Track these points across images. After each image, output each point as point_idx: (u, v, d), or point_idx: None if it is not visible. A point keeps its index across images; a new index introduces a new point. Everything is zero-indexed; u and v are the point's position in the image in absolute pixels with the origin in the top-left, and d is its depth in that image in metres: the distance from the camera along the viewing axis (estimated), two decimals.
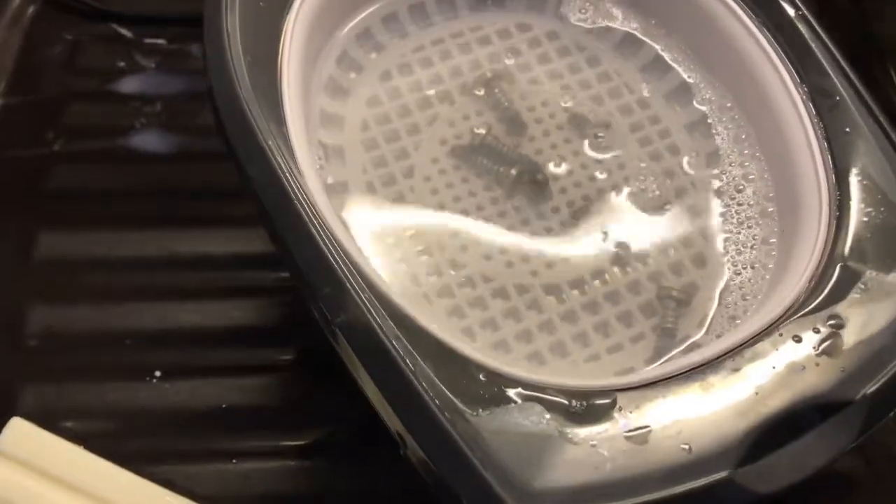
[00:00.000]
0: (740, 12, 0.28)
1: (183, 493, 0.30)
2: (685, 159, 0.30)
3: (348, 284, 0.22)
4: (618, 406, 0.22)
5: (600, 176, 0.30)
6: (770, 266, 0.27)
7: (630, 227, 0.29)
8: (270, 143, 0.23)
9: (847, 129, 0.26)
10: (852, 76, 0.26)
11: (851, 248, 0.24)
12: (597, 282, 0.28)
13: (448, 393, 0.21)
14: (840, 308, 0.23)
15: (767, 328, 0.23)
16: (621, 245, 0.29)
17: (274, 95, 0.25)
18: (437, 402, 0.21)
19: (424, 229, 0.29)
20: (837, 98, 0.26)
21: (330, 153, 0.30)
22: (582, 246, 0.29)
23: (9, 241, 0.36)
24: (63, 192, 0.37)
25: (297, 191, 0.23)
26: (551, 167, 0.30)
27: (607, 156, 0.30)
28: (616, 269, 0.29)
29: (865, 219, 0.24)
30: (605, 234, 0.29)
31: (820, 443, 0.21)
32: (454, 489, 0.20)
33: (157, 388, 0.33)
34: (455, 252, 0.29)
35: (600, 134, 0.31)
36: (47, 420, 0.31)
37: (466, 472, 0.20)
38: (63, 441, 0.30)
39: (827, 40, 0.27)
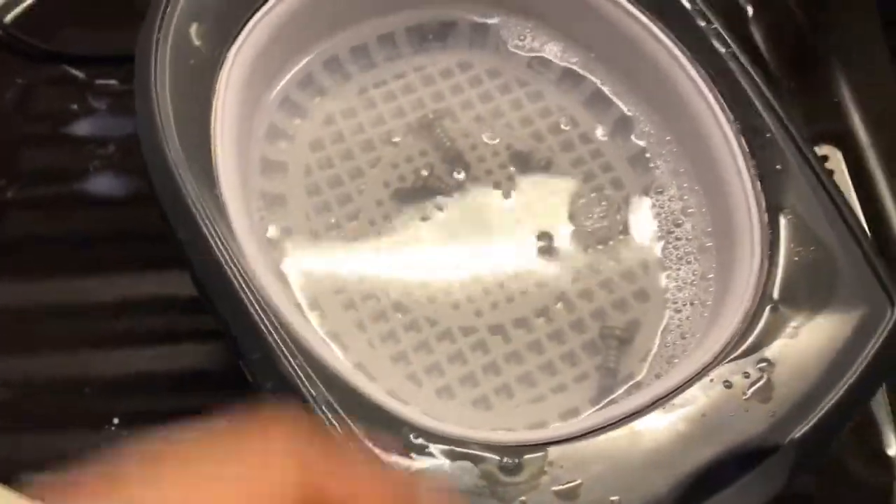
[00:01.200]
0: (675, 49, 0.28)
1: None
2: (627, 193, 0.30)
3: (277, 350, 0.22)
4: (549, 460, 0.22)
5: (543, 213, 0.30)
6: (709, 303, 0.27)
7: (574, 263, 0.29)
8: (200, 206, 0.24)
9: (778, 167, 0.26)
10: (781, 113, 0.26)
11: (782, 289, 0.24)
12: (541, 320, 0.29)
13: (380, 453, 0.21)
14: (770, 351, 0.23)
15: (698, 373, 0.23)
16: (565, 281, 0.29)
17: (206, 153, 0.26)
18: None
19: (368, 274, 0.29)
20: (768, 135, 0.26)
21: (272, 202, 0.30)
22: (527, 284, 0.29)
23: None
24: (18, 239, 0.37)
25: (226, 257, 0.23)
26: (495, 206, 0.30)
27: (550, 193, 0.31)
28: (560, 307, 0.29)
29: (796, 258, 0.24)
30: (550, 271, 0.29)
31: (749, 490, 0.21)
32: None
33: (116, 437, 0.33)
34: (400, 295, 0.29)
35: (544, 170, 0.31)
36: (4, 473, 0.31)
37: None
38: (19, 497, 0.30)
39: (757, 77, 0.27)
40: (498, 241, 0.30)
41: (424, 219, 0.30)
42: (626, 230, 0.30)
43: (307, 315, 0.27)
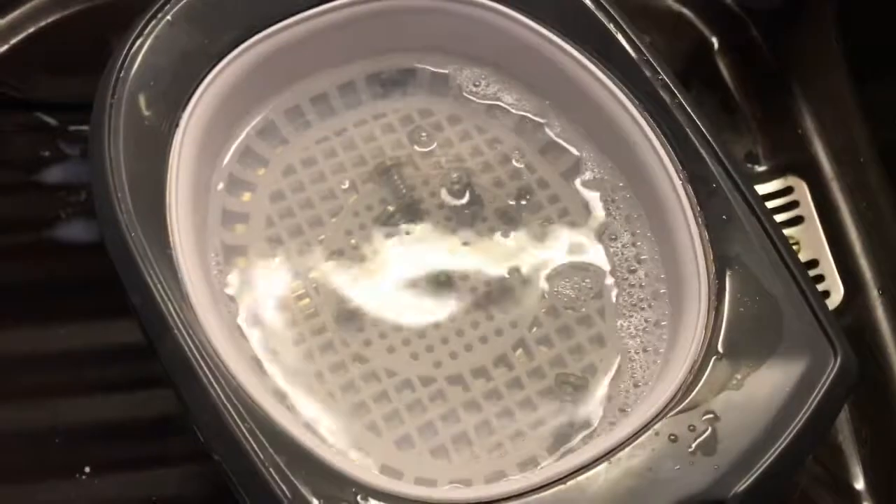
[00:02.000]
0: (623, 98, 0.28)
1: None
2: (583, 238, 0.31)
3: (226, 414, 0.22)
4: None
5: (503, 260, 0.31)
6: (661, 350, 0.27)
7: (532, 309, 0.30)
8: (152, 270, 0.24)
9: (724, 217, 0.26)
10: (727, 163, 0.27)
11: (727, 340, 0.24)
12: (501, 369, 0.29)
13: None
14: (715, 403, 0.23)
15: (645, 426, 0.23)
16: (523, 328, 0.29)
17: (161, 212, 0.26)
18: None
19: (328, 325, 0.29)
20: (714, 185, 0.26)
21: (231, 253, 0.30)
22: (485, 332, 0.29)
23: None
24: None
25: (176, 320, 0.23)
26: (453, 253, 0.31)
27: (509, 239, 0.31)
28: (519, 354, 0.29)
29: (741, 308, 0.25)
30: (508, 318, 0.30)
31: None
32: None
33: (88, 486, 0.34)
34: (359, 347, 0.29)
35: (503, 215, 0.31)
36: None
37: None
38: None
39: (703, 127, 0.27)
40: (456, 289, 0.30)
41: (383, 268, 0.31)
42: (582, 274, 0.30)
43: (266, 367, 0.28)
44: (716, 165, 0.26)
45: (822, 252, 0.39)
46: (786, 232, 0.40)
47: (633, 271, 0.29)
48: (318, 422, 0.28)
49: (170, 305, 0.23)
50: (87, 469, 0.34)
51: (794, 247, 0.40)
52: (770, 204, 0.41)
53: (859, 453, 0.35)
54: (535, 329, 0.29)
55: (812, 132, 0.41)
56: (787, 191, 0.41)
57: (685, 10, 0.45)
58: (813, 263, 0.39)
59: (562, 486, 0.22)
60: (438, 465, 0.27)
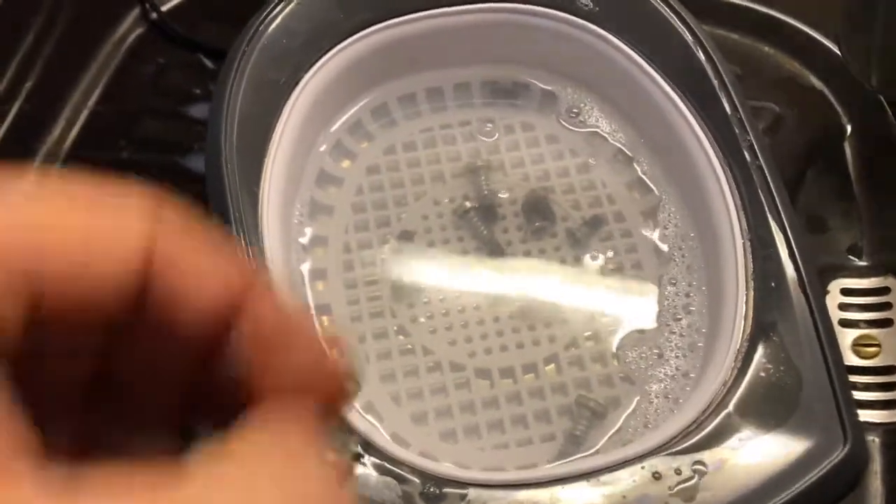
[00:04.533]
0: (710, 151, 0.29)
1: None
2: (642, 276, 0.31)
3: None
4: (467, 499, 0.23)
5: (560, 277, 0.32)
6: (680, 401, 0.28)
7: (574, 331, 0.31)
8: (236, 201, 0.27)
9: (773, 284, 0.26)
10: (790, 232, 0.27)
11: (741, 400, 0.25)
12: (529, 376, 0.30)
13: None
14: (707, 455, 0.24)
15: (635, 459, 0.24)
16: (559, 346, 0.30)
17: (261, 154, 0.29)
18: None
19: (383, 294, 0.31)
20: (771, 250, 0.27)
21: (317, 211, 0.33)
22: (523, 339, 0.31)
23: None
24: None
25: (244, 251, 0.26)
26: (515, 260, 0.32)
27: (572, 260, 0.32)
28: (549, 368, 0.30)
29: (764, 374, 0.25)
30: (548, 332, 0.31)
31: None
32: None
33: None
34: (405, 321, 0.31)
35: (571, 236, 0.32)
36: None
37: None
38: None
39: (775, 191, 0.27)
40: (508, 292, 0.32)
41: (447, 256, 0.32)
42: (629, 313, 0.31)
43: (314, 316, 0.30)
44: (779, 232, 0.27)
45: None
46: (870, 332, 0.39)
47: (678, 319, 0.30)
48: None
49: (241, 237, 0.26)
50: None
51: (874, 349, 0.39)
52: (862, 301, 0.40)
53: None
54: (571, 349, 0.30)
55: None
56: (882, 290, 0.39)
57: (826, 90, 0.45)
58: (891, 370, 0.38)
59: (536, 490, 0.23)
60: (444, 447, 0.29)
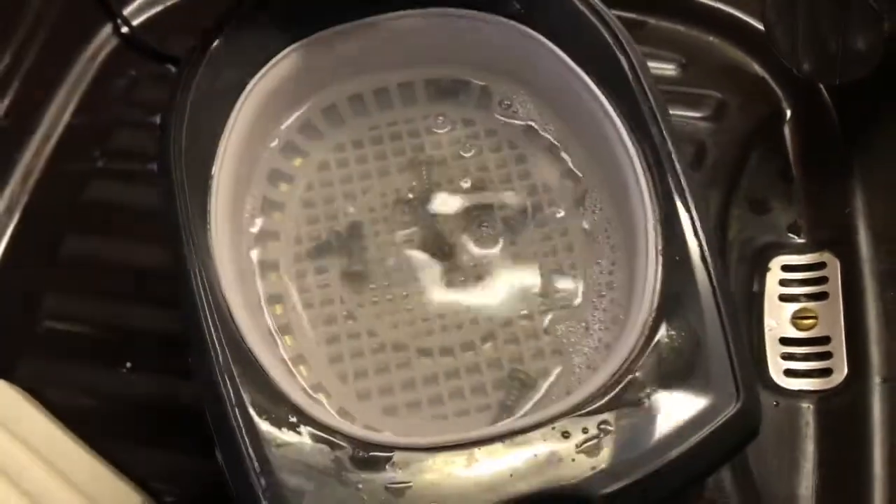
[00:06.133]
0: (628, 142, 0.31)
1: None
2: (573, 258, 0.33)
3: (204, 323, 0.27)
4: (392, 461, 0.26)
5: (498, 261, 0.34)
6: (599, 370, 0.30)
7: (511, 310, 0.33)
8: (182, 191, 0.30)
9: (677, 258, 0.28)
10: (692, 209, 0.29)
11: (646, 366, 0.27)
12: (468, 353, 0.32)
13: (259, 422, 0.26)
14: (612, 416, 0.26)
15: (547, 421, 0.26)
16: (497, 324, 0.33)
17: (211, 148, 0.31)
18: (245, 429, 0.26)
19: (333, 282, 0.34)
20: (677, 228, 0.29)
21: (269, 207, 0.35)
22: (463, 319, 0.33)
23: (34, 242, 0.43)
24: (99, 202, 0.45)
25: (190, 237, 0.29)
26: (455, 247, 0.34)
27: (509, 244, 0.34)
28: (486, 346, 0.32)
29: (668, 341, 0.27)
30: (487, 312, 0.33)
31: None
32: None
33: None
34: (353, 306, 0.33)
35: (508, 223, 0.35)
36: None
37: (252, 495, 0.25)
38: (33, 408, 0.37)
39: (683, 180, 0.29)
40: (449, 275, 0.34)
41: (394, 244, 0.35)
42: (562, 291, 0.33)
43: (263, 305, 0.33)
44: (684, 212, 0.29)
45: (837, 331, 0.40)
46: (808, 305, 0.41)
47: (602, 296, 0.32)
48: (297, 361, 0.32)
49: (188, 225, 0.29)
50: (129, 364, 0.40)
51: (812, 321, 0.41)
52: (800, 276, 0.42)
53: None
54: (507, 327, 0.33)
55: (859, 214, 0.41)
56: (819, 265, 0.41)
57: (768, 77, 0.47)
58: (824, 340, 0.40)
59: (455, 452, 0.26)
60: (388, 421, 0.31)
